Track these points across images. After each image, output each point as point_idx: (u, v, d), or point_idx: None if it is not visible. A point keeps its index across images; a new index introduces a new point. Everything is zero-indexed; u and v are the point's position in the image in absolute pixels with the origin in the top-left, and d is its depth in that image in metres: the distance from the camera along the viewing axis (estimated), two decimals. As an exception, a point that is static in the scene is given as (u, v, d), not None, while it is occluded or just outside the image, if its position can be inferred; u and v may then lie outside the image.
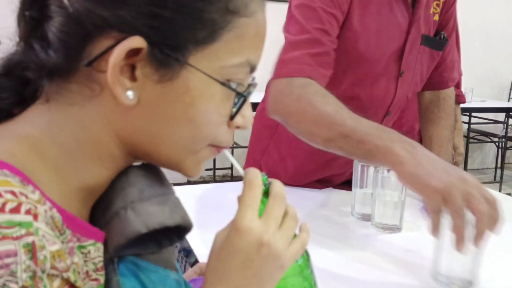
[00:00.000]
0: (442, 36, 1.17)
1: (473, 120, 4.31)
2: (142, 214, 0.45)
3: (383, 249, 0.93)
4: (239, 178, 0.53)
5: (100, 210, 0.48)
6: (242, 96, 0.48)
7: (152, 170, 0.51)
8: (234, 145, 3.60)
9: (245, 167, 1.31)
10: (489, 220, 0.68)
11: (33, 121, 0.44)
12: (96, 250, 0.45)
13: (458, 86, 1.98)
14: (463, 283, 0.77)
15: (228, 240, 0.47)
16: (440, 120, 1.25)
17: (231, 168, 4.14)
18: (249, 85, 0.50)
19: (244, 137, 3.40)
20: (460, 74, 1.35)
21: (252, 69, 0.49)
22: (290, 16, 1.02)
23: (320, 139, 0.88)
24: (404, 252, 0.91)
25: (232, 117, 0.48)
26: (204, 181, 4.09)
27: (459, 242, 0.70)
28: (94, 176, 0.46)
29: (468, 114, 4.14)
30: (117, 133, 0.45)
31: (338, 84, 1.06)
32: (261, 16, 0.48)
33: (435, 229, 0.74)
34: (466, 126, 4.32)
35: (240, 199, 0.49)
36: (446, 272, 0.78)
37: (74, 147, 0.44)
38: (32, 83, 0.45)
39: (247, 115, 0.51)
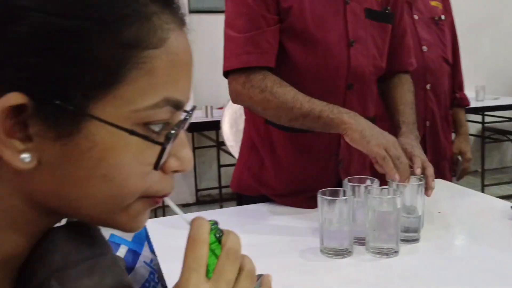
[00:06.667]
0: (387, 9, 1.24)
1: (488, 119, 4.16)
2: (68, 286, 0.39)
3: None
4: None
5: (24, 282, 0.42)
6: (163, 143, 0.40)
7: (79, 229, 0.45)
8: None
9: (236, 166, 1.34)
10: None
11: None
12: None
13: (461, 88, 1.88)
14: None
15: None
16: (403, 85, 1.32)
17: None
18: (181, 122, 0.42)
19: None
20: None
21: (177, 105, 0.42)
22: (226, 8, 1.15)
23: (285, 120, 1.10)
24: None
25: (155, 166, 0.41)
26: (212, 200, 4.02)
27: (404, 179, 0.97)
28: (10, 245, 0.41)
29: (481, 113, 3.99)
30: (28, 197, 0.40)
31: (294, 60, 1.14)
32: (177, 42, 0.41)
33: (391, 171, 0.96)
34: (480, 125, 4.18)
35: (184, 259, 0.42)
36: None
37: None
38: None
39: (183, 156, 0.44)
